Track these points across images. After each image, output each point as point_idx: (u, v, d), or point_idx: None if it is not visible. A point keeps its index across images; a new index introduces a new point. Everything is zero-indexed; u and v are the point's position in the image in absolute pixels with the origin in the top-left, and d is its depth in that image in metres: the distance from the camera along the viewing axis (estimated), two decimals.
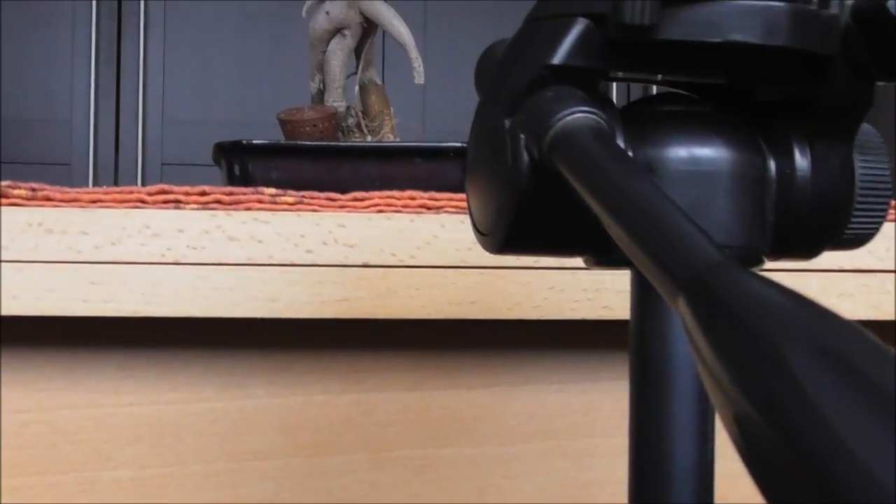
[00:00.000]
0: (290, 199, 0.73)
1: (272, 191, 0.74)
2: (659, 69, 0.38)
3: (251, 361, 0.69)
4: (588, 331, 0.72)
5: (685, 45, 0.35)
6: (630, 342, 0.38)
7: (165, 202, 0.72)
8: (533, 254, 0.40)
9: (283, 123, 1.21)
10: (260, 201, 0.73)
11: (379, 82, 1.27)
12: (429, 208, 0.74)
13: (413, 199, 0.75)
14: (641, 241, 0.28)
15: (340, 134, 1.26)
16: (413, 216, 0.69)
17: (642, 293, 0.38)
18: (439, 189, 1.18)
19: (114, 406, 0.68)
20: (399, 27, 1.20)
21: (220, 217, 0.66)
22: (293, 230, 0.66)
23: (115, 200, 0.71)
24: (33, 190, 0.71)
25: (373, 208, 0.74)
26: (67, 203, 0.70)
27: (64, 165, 2.49)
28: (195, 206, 0.72)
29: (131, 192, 0.72)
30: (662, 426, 0.37)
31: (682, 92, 0.41)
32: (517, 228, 0.37)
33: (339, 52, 1.22)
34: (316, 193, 0.74)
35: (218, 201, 0.72)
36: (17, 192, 0.71)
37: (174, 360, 0.68)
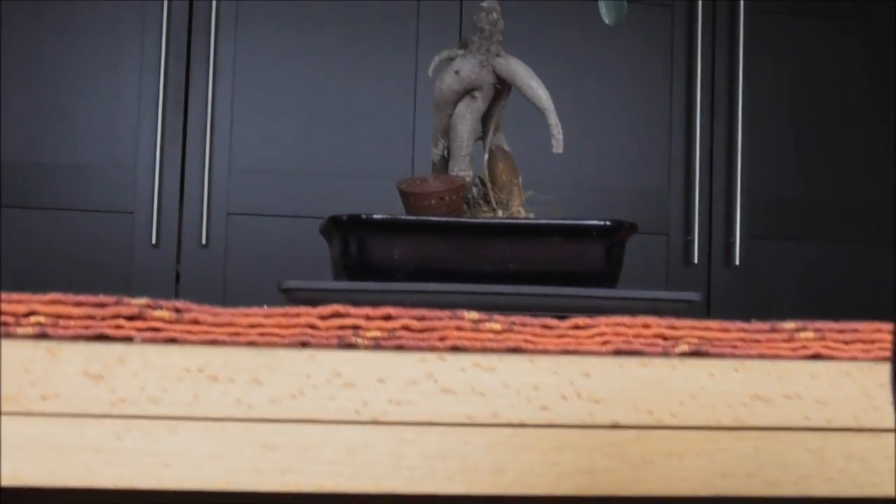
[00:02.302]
0: (497, 327, 0.57)
1: (474, 315, 0.57)
2: None
3: None
4: None
5: None
6: None
7: (342, 328, 0.55)
8: None
9: (405, 195, 1.05)
10: (460, 328, 0.56)
11: (507, 149, 1.11)
12: (666, 339, 0.58)
13: (647, 326, 0.58)
14: None
15: (466, 206, 1.10)
16: (675, 361, 0.52)
17: None
18: (583, 273, 1.01)
19: None
20: (538, 90, 1.03)
21: (432, 362, 0.49)
22: (524, 380, 0.50)
23: (279, 326, 0.55)
24: (178, 311, 0.55)
25: (598, 338, 0.57)
26: (221, 328, 0.54)
27: (127, 214, 2.34)
28: (378, 332, 0.55)
29: (298, 315, 0.56)
30: None
31: None
32: None
33: (467, 116, 1.05)
34: (527, 319, 0.57)
35: (406, 328, 0.56)
36: (158, 313, 0.55)
37: None
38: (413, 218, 1.01)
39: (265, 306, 0.57)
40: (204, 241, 2.33)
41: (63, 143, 2.33)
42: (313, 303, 1.01)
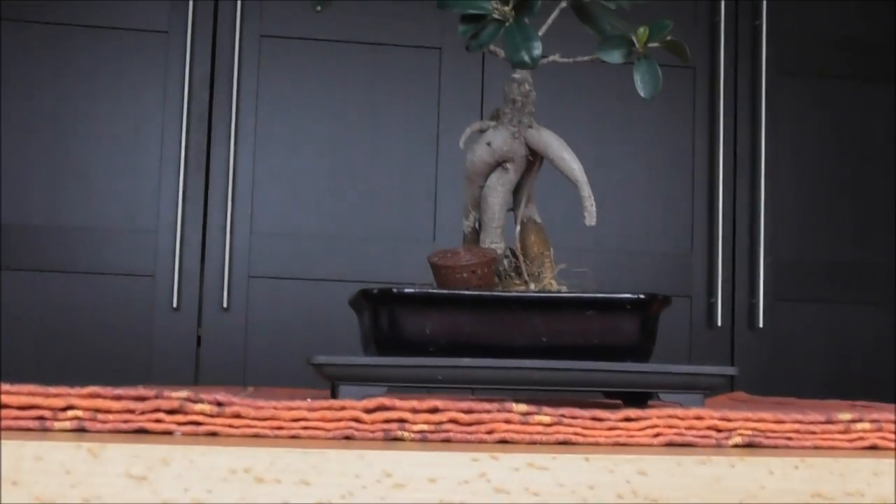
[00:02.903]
0: (546, 419, 0.55)
1: (523, 407, 0.56)
2: None
3: None
4: None
5: None
6: None
7: (387, 421, 0.54)
8: None
9: (436, 268, 1.03)
10: (508, 421, 0.55)
11: (538, 220, 1.10)
12: (719, 430, 0.56)
13: (700, 418, 0.57)
14: None
15: (497, 279, 1.09)
16: (734, 458, 0.51)
17: None
18: (617, 346, 1.00)
19: None
20: (571, 162, 1.02)
21: (484, 461, 0.48)
22: (579, 479, 0.48)
23: (323, 420, 0.53)
24: (219, 405, 0.54)
25: (649, 430, 0.56)
26: (264, 422, 0.53)
27: (147, 277, 2.33)
28: (425, 426, 0.54)
29: (343, 409, 0.55)
30: None
31: None
32: None
33: (499, 188, 1.03)
34: (577, 411, 0.56)
35: (454, 420, 0.54)
36: (199, 407, 0.53)
37: None
38: (445, 291, 1.00)
39: (309, 399, 0.55)
40: (225, 305, 2.32)
41: (84, 205, 2.33)
42: (343, 378, 0.99)
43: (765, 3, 2.52)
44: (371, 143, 2.43)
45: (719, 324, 2.47)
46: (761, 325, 2.47)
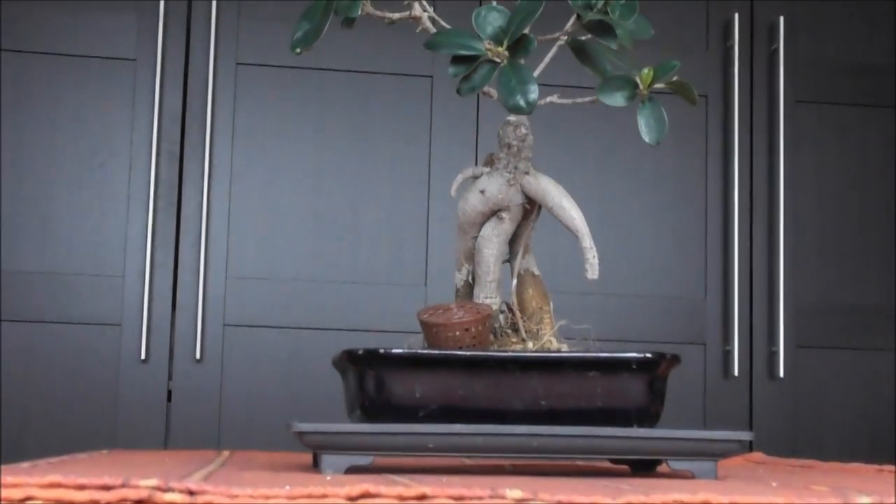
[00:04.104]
0: None
1: (517, 493, 0.56)
2: None
3: None
4: None
5: None
6: None
7: None
8: None
9: (426, 326, 1.04)
10: None
11: (537, 272, 1.11)
12: None
13: None
14: None
15: (493, 337, 1.09)
16: None
17: None
18: (622, 410, 1.01)
19: None
20: (570, 210, 1.03)
21: None
22: None
23: None
24: (191, 493, 0.55)
25: None
26: None
27: (114, 326, 2.34)
28: None
29: (324, 497, 0.55)
30: None
31: None
32: None
33: (494, 239, 1.04)
34: (575, 497, 0.57)
35: None
36: (169, 496, 0.54)
37: None
38: (436, 352, 1.01)
39: (287, 487, 0.56)
40: (198, 356, 2.33)
41: (44, 249, 2.34)
42: (327, 447, 1.00)
43: (782, 25, 2.54)
44: (356, 180, 2.45)
45: (736, 373, 2.47)
46: (781, 374, 2.48)
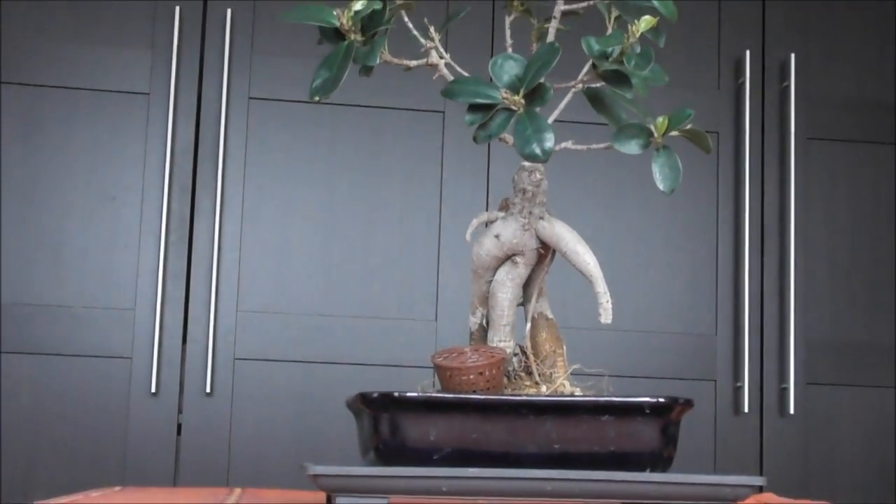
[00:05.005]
0: None
1: None
2: None
3: None
4: None
5: None
6: None
7: None
8: None
9: (441, 370, 1.05)
10: None
11: (550, 316, 1.13)
12: None
13: None
14: None
15: (506, 380, 1.11)
16: None
17: None
18: (635, 454, 1.02)
19: None
20: (585, 255, 1.05)
21: None
22: None
23: None
24: None
25: None
26: None
27: (124, 359, 2.35)
28: None
29: None
30: None
31: None
32: None
33: (508, 284, 1.06)
34: None
35: None
36: None
37: None
38: (450, 395, 1.02)
39: None
40: (208, 389, 2.35)
41: (56, 282, 2.36)
42: (341, 490, 1.02)
43: (793, 63, 2.56)
44: (367, 215, 2.46)
45: (746, 410, 2.48)
46: (792, 410, 2.49)
